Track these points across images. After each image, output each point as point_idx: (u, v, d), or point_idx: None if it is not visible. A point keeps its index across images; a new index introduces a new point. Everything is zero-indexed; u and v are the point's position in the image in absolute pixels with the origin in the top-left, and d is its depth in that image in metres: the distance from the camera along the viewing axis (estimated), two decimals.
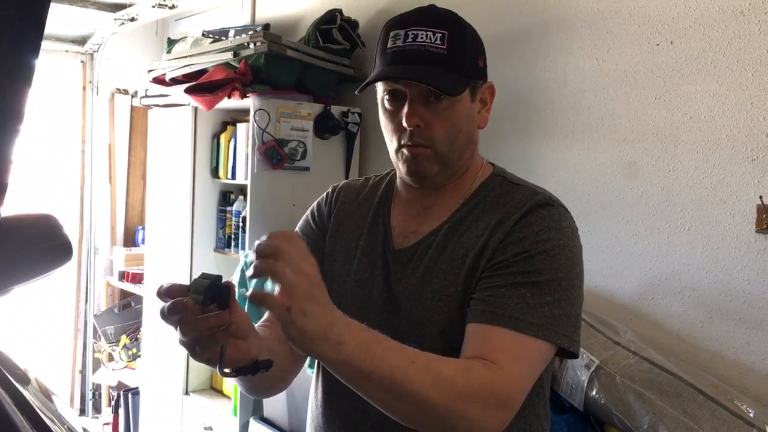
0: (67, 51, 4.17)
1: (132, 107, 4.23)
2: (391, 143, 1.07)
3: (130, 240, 4.24)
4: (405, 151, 1.04)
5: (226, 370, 0.88)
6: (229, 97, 2.60)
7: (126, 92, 4.25)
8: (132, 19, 3.68)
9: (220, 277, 0.84)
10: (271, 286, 0.81)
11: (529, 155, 2.23)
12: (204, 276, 0.84)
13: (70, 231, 0.77)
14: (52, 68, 4.09)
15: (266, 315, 1.14)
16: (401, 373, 0.85)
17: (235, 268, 2.57)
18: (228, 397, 2.93)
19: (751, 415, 1.57)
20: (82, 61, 4.23)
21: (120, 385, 3.86)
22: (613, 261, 2.01)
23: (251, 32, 2.69)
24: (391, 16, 1.08)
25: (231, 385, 2.87)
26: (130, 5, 3.55)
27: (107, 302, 4.18)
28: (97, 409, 4.26)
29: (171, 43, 3.18)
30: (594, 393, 1.71)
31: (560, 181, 2.13)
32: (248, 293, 0.80)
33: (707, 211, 1.81)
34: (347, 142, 2.78)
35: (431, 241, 1.07)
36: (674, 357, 1.81)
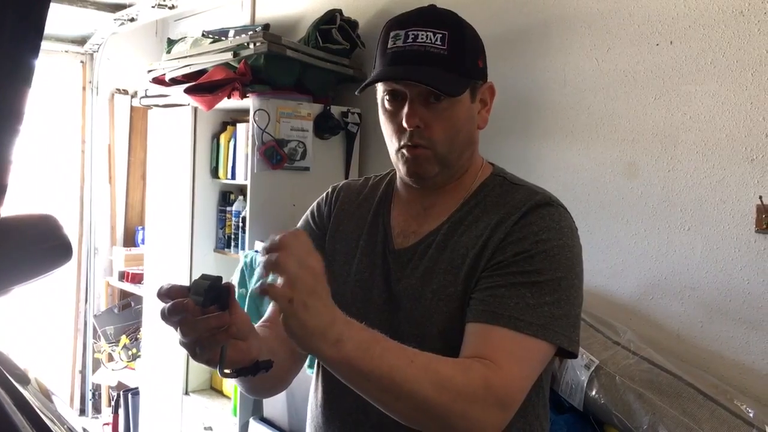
0: (66, 51, 4.17)
1: (132, 107, 4.24)
2: (391, 144, 1.07)
3: (130, 240, 4.25)
4: (405, 152, 1.04)
5: (227, 371, 0.88)
6: (229, 98, 2.60)
7: (126, 92, 4.25)
8: (132, 20, 3.68)
9: (220, 278, 0.84)
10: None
11: (529, 155, 2.23)
12: (204, 277, 0.84)
13: (70, 231, 0.77)
14: (51, 68, 4.09)
15: (266, 315, 1.15)
16: (400, 372, 0.85)
17: (235, 268, 2.57)
18: (228, 398, 2.93)
19: (751, 415, 1.57)
20: (81, 62, 4.23)
21: (120, 385, 3.86)
22: (612, 261, 2.01)
23: (251, 32, 2.69)
24: (390, 16, 1.08)
25: (231, 385, 2.87)
26: (130, 5, 3.55)
27: (107, 302, 4.19)
28: (96, 410, 4.26)
29: (171, 43, 3.18)
30: (594, 393, 1.71)
31: (560, 181, 2.13)
32: (254, 288, 0.81)
33: (707, 211, 1.81)
34: (347, 143, 2.78)
35: (431, 241, 1.07)
36: (674, 357, 1.81)
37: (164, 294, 0.85)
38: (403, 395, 0.86)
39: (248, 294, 2.41)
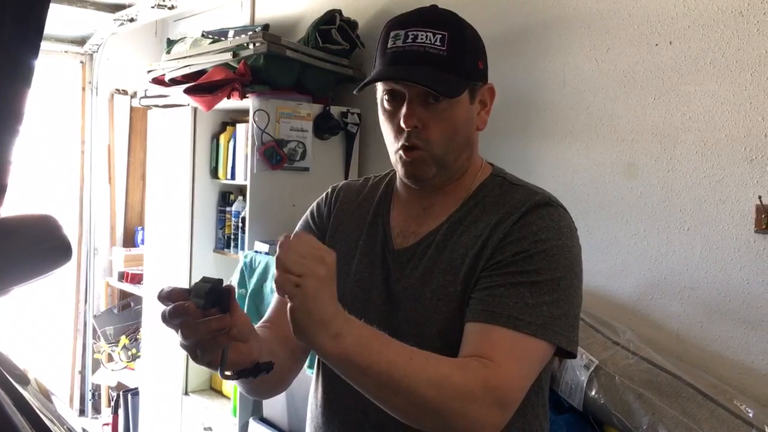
0: (66, 51, 4.17)
1: (131, 108, 4.23)
2: (389, 144, 1.07)
3: (130, 240, 4.24)
4: (402, 153, 1.04)
5: (227, 373, 0.88)
6: (229, 98, 2.60)
7: (125, 93, 4.25)
8: (131, 20, 3.68)
9: (221, 281, 0.84)
10: (272, 285, 0.83)
11: (529, 155, 2.23)
12: (205, 280, 0.84)
13: (70, 231, 0.77)
14: (51, 69, 4.09)
15: (266, 316, 1.15)
16: (398, 368, 0.85)
17: (235, 268, 2.57)
18: (227, 398, 2.93)
19: (750, 415, 1.57)
20: (81, 62, 4.23)
21: (119, 386, 3.85)
22: (612, 261, 2.01)
23: (251, 33, 2.69)
24: (390, 16, 1.08)
25: (230, 385, 2.87)
26: (130, 6, 3.55)
27: (107, 303, 4.18)
28: (96, 410, 4.26)
29: (170, 43, 3.18)
30: (593, 393, 1.71)
31: (559, 181, 2.13)
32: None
33: (706, 211, 1.81)
34: (346, 143, 2.78)
35: (430, 241, 1.07)
36: (673, 357, 1.81)
37: (165, 297, 0.85)
38: (402, 391, 0.86)
39: (248, 294, 2.42)
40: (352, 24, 2.76)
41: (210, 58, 2.76)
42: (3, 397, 0.63)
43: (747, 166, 1.73)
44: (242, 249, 2.71)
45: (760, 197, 1.69)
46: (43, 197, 4.04)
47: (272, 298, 1.21)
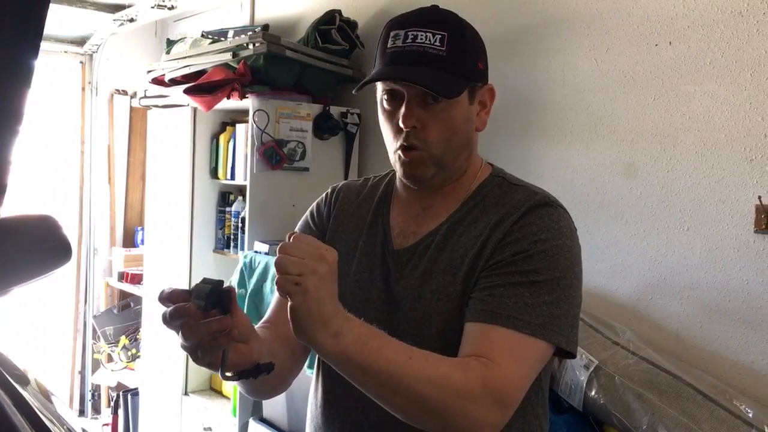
0: (66, 52, 4.17)
1: (131, 108, 4.23)
2: (389, 144, 1.07)
3: (130, 241, 4.24)
4: (401, 153, 1.04)
5: (228, 374, 0.88)
6: (228, 98, 2.60)
7: (125, 93, 4.25)
8: (131, 20, 3.68)
9: (221, 282, 0.84)
10: (271, 286, 0.83)
11: (528, 155, 2.23)
12: (205, 281, 0.84)
13: (70, 232, 0.77)
14: (51, 69, 4.09)
15: (266, 316, 1.15)
16: (398, 367, 0.86)
17: (234, 268, 2.57)
18: (227, 398, 2.93)
19: (750, 415, 1.57)
20: (81, 62, 4.23)
21: (119, 386, 3.85)
22: (612, 261, 2.01)
23: (250, 33, 2.69)
24: (390, 16, 1.08)
25: (230, 385, 2.87)
26: (129, 6, 3.55)
27: (106, 303, 4.18)
28: (96, 410, 4.26)
29: (170, 43, 3.18)
30: (593, 393, 1.71)
31: (559, 181, 2.13)
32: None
33: (706, 212, 1.81)
34: (346, 143, 2.78)
35: (430, 241, 1.07)
36: (673, 357, 1.81)
37: (166, 298, 0.86)
38: (401, 390, 0.86)
39: (248, 294, 2.42)
40: (351, 24, 2.76)
41: (210, 59, 2.76)
42: (3, 398, 0.63)
43: (747, 167, 1.73)
44: (242, 249, 2.71)
45: (759, 197, 1.69)
46: (43, 197, 4.04)
47: (272, 298, 1.21)
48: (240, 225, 2.81)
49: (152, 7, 3.45)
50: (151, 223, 3.34)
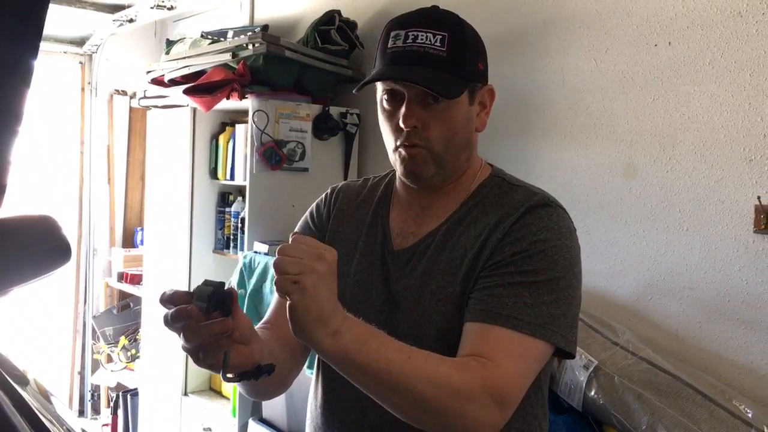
0: (65, 52, 4.16)
1: (131, 108, 4.23)
2: (388, 144, 1.07)
3: (129, 241, 4.24)
4: (402, 151, 1.05)
5: (229, 376, 0.88)
6: (228, 98, 2.60)
7: (125, 93, 4.25)
8: (130, 20, 3.68)
9: (222, 284, 0.85)
10: (271, 286, 0.83)
11: (528, 156, 2.23)
12: (207, 283, 0.85)
13: (69, 232, 0.77)
14: (50, 69, 4.09)
15: (266, 317, 1.15)
16: (397, 367, 0.86)
17: (234, 269, 2.57)
18: (227, 398, 2.93)
19: (750, 415, 1.57)
20: (80, 62, 4.23)
21: (119, 386, 3.85)
22: (611, 261, 2.01)
23: (250, 33, 2.69)
24: (389, 17, 1.09)
25: (230, 386, 2.87)
26: (129, 6, 3.55)
27: (106, 303, 4.18)
28: (96, 411, 4.26)
29: (169, 44, 3.18)
30: (592, 393, 1.71)
31: (558, 181, 2.13)
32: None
33: (705, 212, 1.81)
34: (346, 143, 2.78)
35: (430, 241, 1.07)
36: (673, 357, 1.81)
37: (167, 300, 0.86)
38: (400, 390, 0.86)
39: (247, 295, 2.42)
40: (351, 24, 2.76)
41: (209, 59, 2.76)
42: (2, 398, 0.63)
43: (746, 167, 1.73)
44: (241, 249, 2.71)
45: (759, 197, 1.70)
46: (43, 198, 4.04)
47: (272, 298, 1.21)
48: (239, 225, 2.81)
49: (152, 8, 3.45)
50: (151, 224, 3.34)
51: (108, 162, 4.21)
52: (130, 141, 4.26)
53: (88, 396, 4.26)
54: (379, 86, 1.06)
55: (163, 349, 3.16)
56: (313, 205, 1.23)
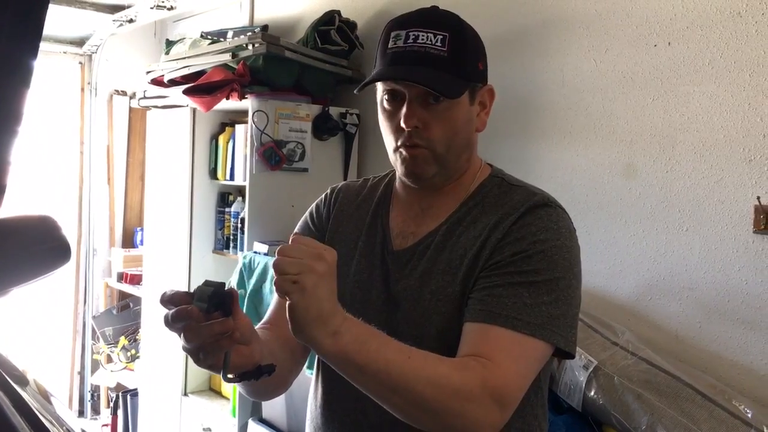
0: (65, 52, 4.16)
1: (130, 108, 4.23)
2: (389, 143, 1.07)
3: (129, 241, 4.24)
4: (403, 151, 1.05)
5: (230, 376, 0.89)
6: (228, 99, 2.60)
7: (124, 93, 4.25)
8: (130, 21, 3.68)
9: (223, 284, 0.85)
10: (271, 286, 0.83)
11: (527, 156, 2.23)
12: (207, 283, 0.85)
13: (69, 232, 0.77)
14: (50, 69, 4.09)
15: (266, 317, 1.15)
16: (396, 367, 0.86)
17: (234, 269, 2.57)
18: (227, 398, 2.93)
19: (749, 415, 1.57)
20: (80, 63, 4.22)
21: (119, 387, 3.85)
22: (611, 262, 2.01)
23: (250, 33, 2.69)
24: (389, 17, 1.09)
25: (230, 386, 2.87)
26: (129, 6, 3.55)
27: (106, 303, 4.18)
28: (95, 411, 4.26)
29: (169, 44, 3.18)
30: (592, 393, 1.71)
31: (558, 181, 2.13)
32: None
33: (705, 212, 1.81)
34: (345, 143, 2.78)
35: (429, 241, 1.07)
36: (672, 357, 1.81)
37: (167, 300, 0.86)
38: (400, 390, 0.86)
39: (247, 295, 2.42)
40: (351, 25, 2.76)
41: (209, 59, 2.76)
42: (2, 398, 0.63)
43: (745, 167, 1.73)
44: (241, 250, 2.71)
45: (758, 198, 1.70)
46: (42, 198, 4.04)
47: (271, 299, 1.21)
48: (239, 225, 2.81)
49: (151, 8, 3.45)
50: (151, 224, 3.34)
51: (108, 162, 4.21)
52: (129, 141, 4.26)
53: (87, 396, 4.26)
54: (380, 86, 1.06)
55: (162, 350, 3.16)
56: (313, 205, 1.23)
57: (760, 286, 1.71)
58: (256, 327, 1.07)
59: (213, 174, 2.98)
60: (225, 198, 3.01)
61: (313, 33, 2.69)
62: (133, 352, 3.81)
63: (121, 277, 3.93)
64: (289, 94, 2.67)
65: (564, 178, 2.13)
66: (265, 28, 2.87)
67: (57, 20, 3.73)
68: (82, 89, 4.21)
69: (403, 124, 1.02)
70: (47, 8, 0.59)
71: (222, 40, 2.87)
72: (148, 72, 3.14)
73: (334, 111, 2.72)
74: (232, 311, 0.86)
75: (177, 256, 3.02)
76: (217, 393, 3.04)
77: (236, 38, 2.75)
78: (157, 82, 3.09)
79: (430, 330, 1.02)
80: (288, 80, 2.67)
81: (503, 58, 2.27)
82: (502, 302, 0.95)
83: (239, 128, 2.83)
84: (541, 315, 0.95)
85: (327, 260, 0.84)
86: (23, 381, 0.83)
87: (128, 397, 3.61)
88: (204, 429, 2.87)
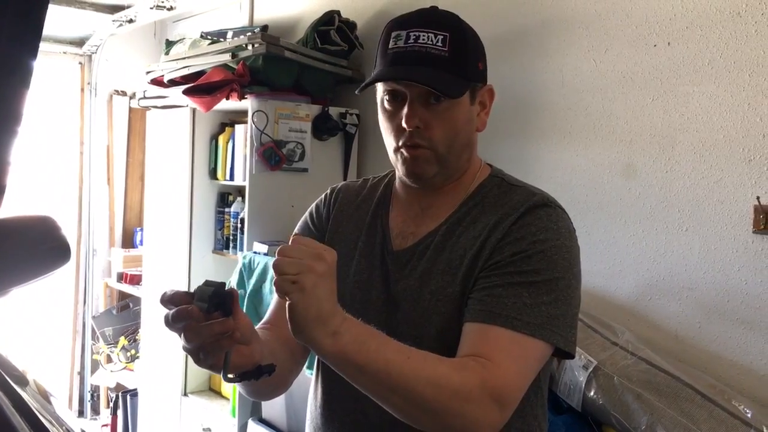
0: (65, 52, 4.16)
1: (130, 109, 4.23)
2: (389, 144, 1.07)
3: (129, 241, 4.24)
4: (404, 151, 1.05)
5: (230, 376, 0.89)
6: (227, 99, 2.60)
7: (124, 94, 4.25)
8: (130, 21, 3.68)
9: (223, 284, 0.85)
10: (270, 286, 0.83)
11: (527, 156, 2.23)
12: (207, 283, 0.85)
13: (69, 232, 0.77)
14: (50, 70, 4.09)
15: (266, 317, 1.15)
16: (396, 367, 0.86)
17: (234, 269, 2.57)
18: (226, 399, 2.93)
19: (749, 415, 1.57)
20: (80, 63, 4.23)
21: (118, 387, 3.85)
22: (610, 262, 2.02)
23: (249, 33, 2.69)
24: (389, 17, 1.09)
25: (229, 386, 2.87)
26: (129, 7, 3.55)
27: (105, 303, 4.18)
28: (95, 411, 4.26)
29: (169, 44, 3.18)
30: (592, 393, 1.71)
31: (558, 181, 2.13)
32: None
33: (704, 212, 1.81)
34: (345, 144, 2.78)
35: (429, 242, 1.07)
36: (672, 357, 1.81)
37: (168, 300, 0.86)
38: (399, 390, 0.86)
39: (247, 295, 2.42)
40: (350, 25, 2.76)
41: (209, 59, 2.76)
42: (2, 398, 0.63)
43: (745, 167, 1.73)
44: (241, 250, 2.71)
45: (758, 198, 1.70)
46: (42, 198, 4.04)
47: (271, 299, 1.22)
48: (239, 226, 2.81)
49: (151, 8, 3.45)
50: (150, 224, 3.34)
51: (107, 162, 4.22)
52: (129, 141, 4.26)
53: (87, 396, 4.26)
54: (380, 87, 1.06)
55: (162, 350, 3.16)
56: (313, 205, 1.24)
57: (759, 286, 1.71)
58: (256, 327, 1.07)
59: (213, 174, 2.98)
60: (225, 198, 3.01)
61: (312, 33, 2.69)
62: (132, 352, 3.81)
63: (121, 277, 3.93)
64: (288, 95, 2.67)
65: (564, 178, 2.13)
66: (264, 28, 2.87)
67: (57, 20, 3.73)
68: (82, 89, 4.21)
69: (404, 125, 1.02)
70: (47, 8, 0.59)
71: (222, 40, 2.87)
72: (147, 72, 3.15)
73: (334, 111, 2.72)
74: (233, 311, 0.86)
75: (177, 256, 3.02)
76: (217, 393, 3.04)
77: (236, 38, 2.76)
78: (157, 82, 3.09)
79: (429, 330, 1.02)
80: (288, 80, 2.67)
81: (503, 58, 2.27)
82: (501, 302, 0.95)
83: (239, 128, 2.83)
84: (541, 315, 0.95)
85: (327, 260, 0.84)
86: (23, 381, 0.83)
87: (128, 397, 3.61)
88: (204, 429, 2.87)
